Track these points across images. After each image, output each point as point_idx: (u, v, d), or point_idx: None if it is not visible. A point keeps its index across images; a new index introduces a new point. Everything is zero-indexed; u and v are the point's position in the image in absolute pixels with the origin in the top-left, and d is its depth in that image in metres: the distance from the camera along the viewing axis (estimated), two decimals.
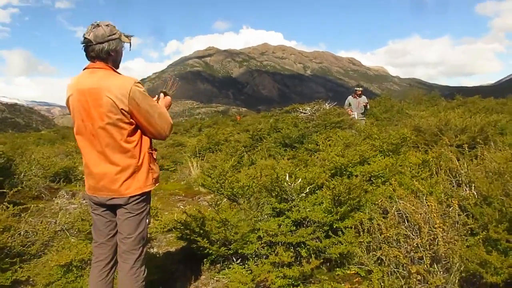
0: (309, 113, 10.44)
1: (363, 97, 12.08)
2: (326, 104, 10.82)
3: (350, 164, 5.09)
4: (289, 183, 4.31)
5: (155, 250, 5.05)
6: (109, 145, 2.58)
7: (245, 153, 10.23)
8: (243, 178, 4.60)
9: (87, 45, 2.57)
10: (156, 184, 2.79)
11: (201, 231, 3.81)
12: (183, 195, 9.16)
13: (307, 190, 4.31)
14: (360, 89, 12.02)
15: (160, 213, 6.87)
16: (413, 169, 5.36)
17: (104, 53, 2.58)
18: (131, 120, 2.59)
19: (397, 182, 4.82)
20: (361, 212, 4.11)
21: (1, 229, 3.88)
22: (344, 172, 5.17)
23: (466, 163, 5.25)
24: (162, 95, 3.05)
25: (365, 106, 12.02)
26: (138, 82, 2.60)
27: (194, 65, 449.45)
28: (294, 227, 3.90)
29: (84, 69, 2.66)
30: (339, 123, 9.35)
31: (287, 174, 4.39)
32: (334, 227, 3.92)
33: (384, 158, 5.59)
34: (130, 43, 2.74)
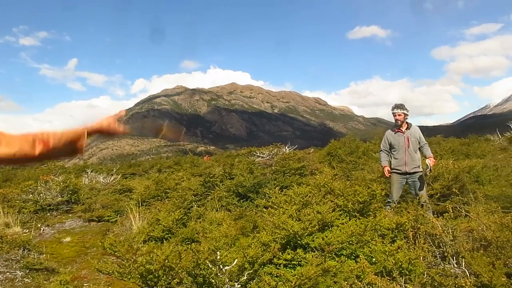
0: (267, 158, 9.29)
1: (414, 127, 6.71)
2: (286, 147, 9.71)
3: (306, 232, 3.93)
4: (220, 266, 3.09)
5: None
6: None
7: (194, 203, 8.95)
8: (161, 257, 3.33)
9: None
10: None
11: None
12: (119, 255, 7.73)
13: (245, 277, 3.10)
14: (402, 111, 6.61)
15: None
16: (385, 236, 4.26)
17: None
18: None
19: (366, 257, 3.68)
20: None
21: None
22: (299, 242, 4.00)
23: (450, 228, 4.20)
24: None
25: (421, 148, 6.66)
26: None
27: (162, 103, 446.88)
28: None
29: None
30: (300, 170, 8.23)
31: (218, 253, 3.18)
32: None
33: (350, 220, 4.48)
34: None
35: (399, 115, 6.59)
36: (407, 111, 6.68)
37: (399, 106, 6.65)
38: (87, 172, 15.99)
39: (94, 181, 14.68)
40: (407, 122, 6.69)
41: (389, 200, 6.59)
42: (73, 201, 11.46)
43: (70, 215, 10.86)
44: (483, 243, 3.85)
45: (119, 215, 10.17)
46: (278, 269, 3.62)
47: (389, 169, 6.62)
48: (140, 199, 10.54)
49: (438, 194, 7.39)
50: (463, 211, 5.34)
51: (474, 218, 4.39)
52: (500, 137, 21.17)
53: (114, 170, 16.06)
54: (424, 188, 6.57)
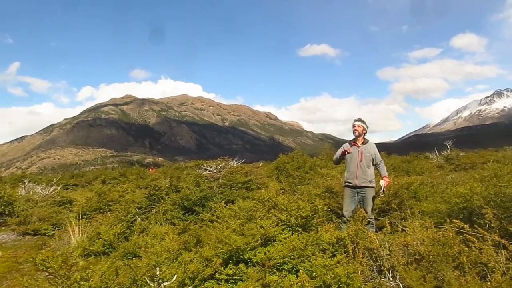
0: (215, 171, 9.24)
1: (371, 144, 6.83)
2: (234, 161, 9.71)
3: (249, 247, 3.93)
4: (159, 282, 3.01)
5: None
6: None
7: (138, 216, 8.70)
8: (97, 273, 3.20)
9: None
10: None
11: None
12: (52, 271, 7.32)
13: None
14: (361, 124, 6.81)
15: None
16: (326, 250, 4.34)
17: None
18: None
19: (306, 272, 3.73)
20: None
21: None
22: (242, 256, 4.00)
23: (387, 243, 4.36)
24: None
25: (377, 166, 6.76)
26: None
27: (110, 112, 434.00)
28: None
29: None
30: (247, 184, 8.24)
31: (157, 268, 3.10)
32: None
33: (292, 235, 4.54)
34: None
35: (358, 126, 6.73)
36: (367, 127, 6.87)
37: (361, 120, 6.86)
38: (24, 183, 15.16)
39: (31, 192, 13.94)
40: (364, 138, 6.82)
41: (341, 214, 6.63)
42: (6, 213, 10.81)
43: (3, 228, 10.24)
44: (416, 257, 4.02)
45: (57, 228, 9.69)
46: (219, 284, 3.59)
47: (346, 151, 6.71)
48: (80, 212, 10.11)
49: (377, 210, 7.66)
50: (400, 226, 5.56)
51: (410, 233, 4.58)
52: (437, 155, 22.51)
53: (54, 181, 15.34)
54: (372, 210, 6.60)
